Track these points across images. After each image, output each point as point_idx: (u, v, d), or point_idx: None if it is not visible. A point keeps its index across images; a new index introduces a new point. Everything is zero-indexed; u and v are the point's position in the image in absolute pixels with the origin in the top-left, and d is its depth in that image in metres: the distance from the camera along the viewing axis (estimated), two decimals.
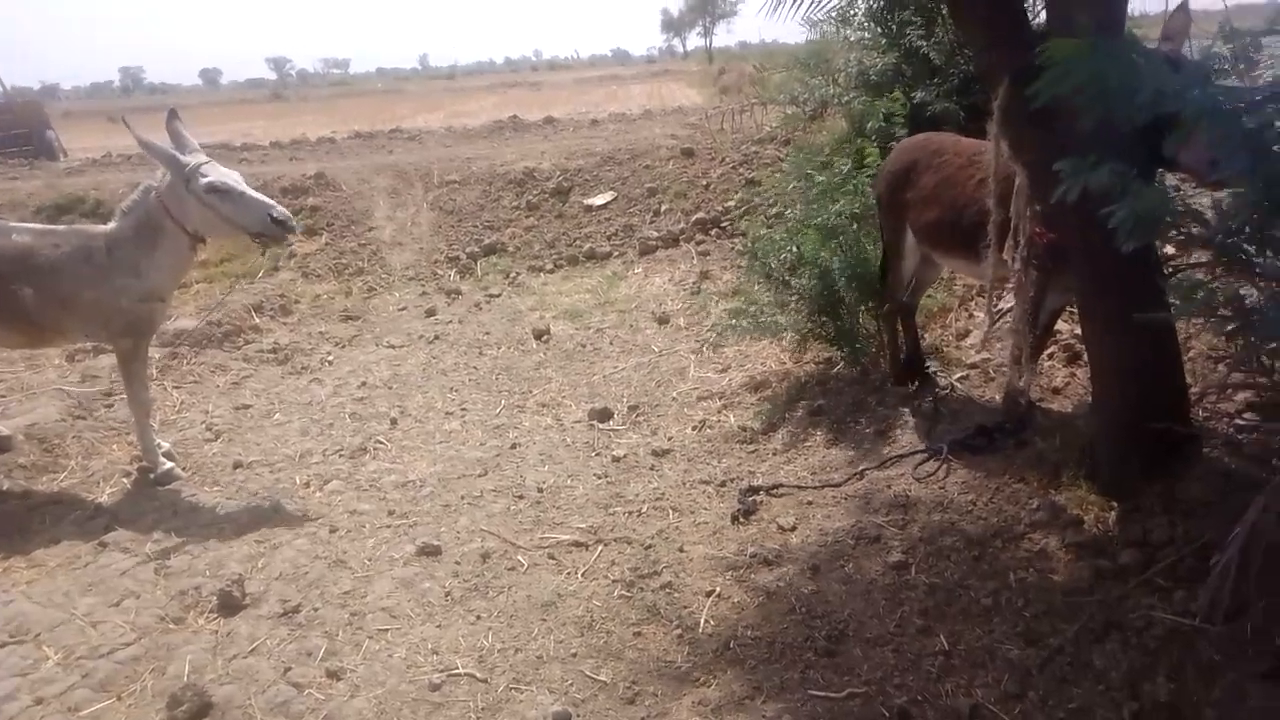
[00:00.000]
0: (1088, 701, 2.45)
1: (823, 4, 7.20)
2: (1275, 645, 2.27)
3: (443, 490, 4.26)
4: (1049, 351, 4.13)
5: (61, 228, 4.68)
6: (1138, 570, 2.76)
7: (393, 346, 6.64)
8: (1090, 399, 3.69)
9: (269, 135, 16.88)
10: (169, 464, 4.53)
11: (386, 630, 3.21)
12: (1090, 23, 2.46)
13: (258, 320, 7.13)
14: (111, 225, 4.31)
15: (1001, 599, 2.89)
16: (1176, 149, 2.74)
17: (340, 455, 4.74)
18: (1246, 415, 3.08)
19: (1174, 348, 3.05)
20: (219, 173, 4.14)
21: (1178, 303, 2.19)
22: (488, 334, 6.72)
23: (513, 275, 8.08)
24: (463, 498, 4.17)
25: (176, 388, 5.82)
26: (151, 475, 4.50)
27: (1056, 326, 4.22)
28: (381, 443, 4.87)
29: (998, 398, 4.05)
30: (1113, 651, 2.56)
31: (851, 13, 7.36)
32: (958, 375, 4.36)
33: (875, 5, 7.26)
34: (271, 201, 4.20)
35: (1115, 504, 3.05)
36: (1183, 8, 2.66)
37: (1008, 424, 3.69)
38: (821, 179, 4.81)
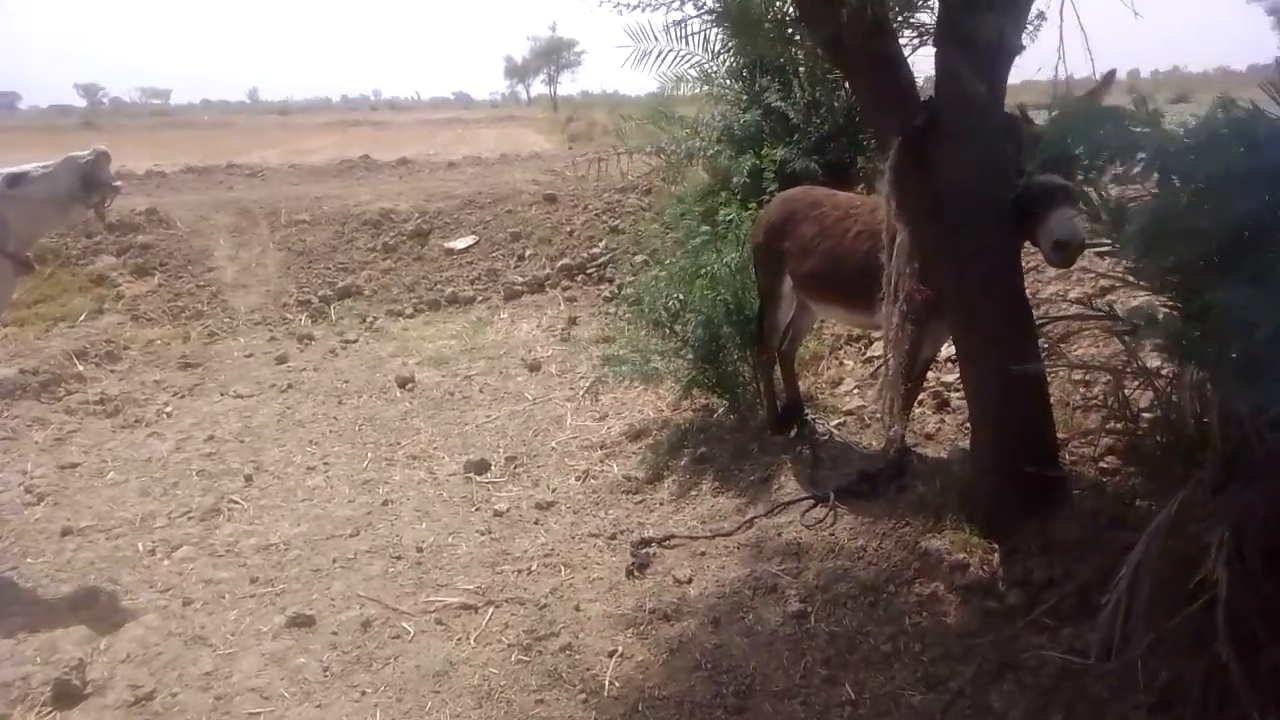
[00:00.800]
0: None
1: (684, 60, 7.53)
2: (1161, 679, 2.41)
3: (311, 553, 3.96)
4: (919, 399, 4.33)
5: None
6: (1024, 610, 2.88)
7: (240, 396, 6.17)
8: (961, 444, 3.90)
9: None
10: None
11: (258, 714, 2.92)
12: (985, 88, 2.61)
13: (80, 368, 6.47)
14: None
15: (900, 644, 2.95)
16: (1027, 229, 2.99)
17: (189, 518, 4.33)
18: (1109, 458, 3.31)
19: (1045, 395, 3.25)
20: (6, 169, 3.76)
21: (1140, 325, 2.32)
22: (347, 382, 6.38)
23: (370, 320, 7.74)
24: (334, 561, 3.89)
25: None
26: None
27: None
28: (236, 502, 4.48)
29: (875, 444, 4.19)
30: (1009, 692, 2.65)
31: (712, 70, 7.59)
32: (835, 422, 4.49)
33: (735, 64, 7.52)
34: (69, 155, 3.81)
35: (996, 545, 3.20)
36: (1107, 80, 2.88)
37: (888, 470, 3.82)
38: (706, 229, 4.90)
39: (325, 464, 4.97)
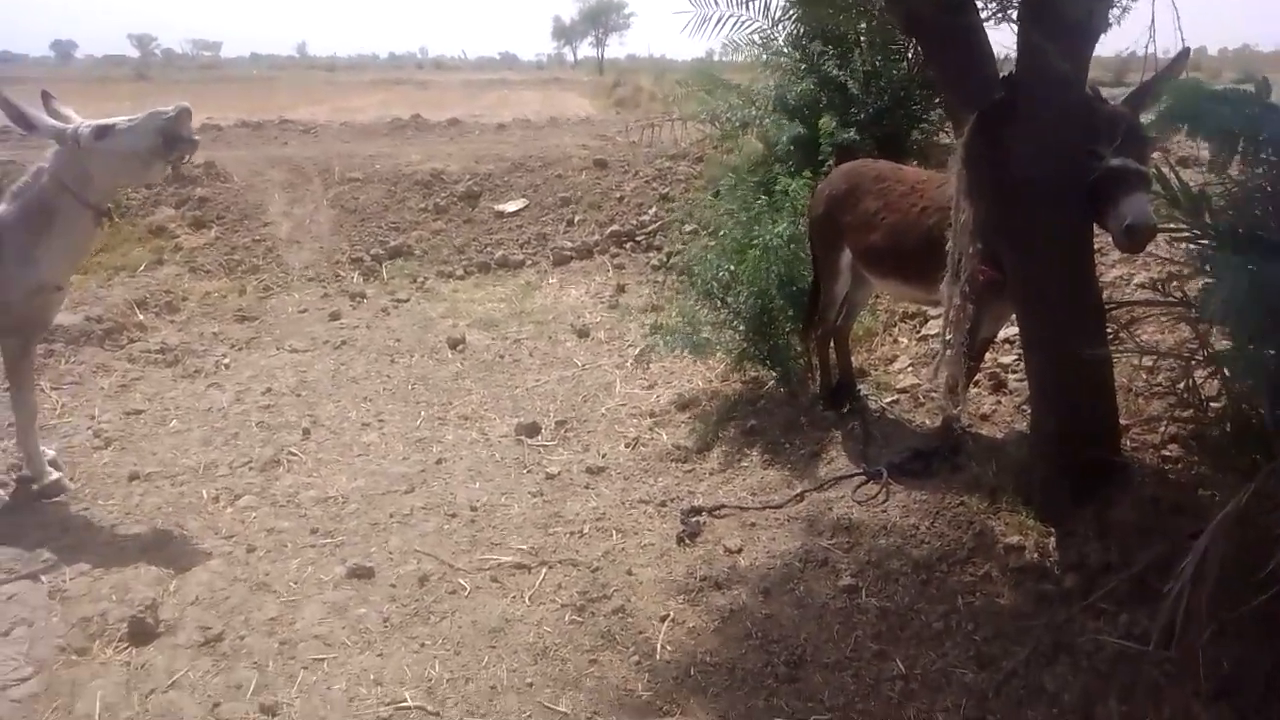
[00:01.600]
0: None
1: (744, 26, 7.43)
2: (1223, 668, 2.41)
3: (368, 507, 4.05)
4: (975, 379, 4.30)
5: None
6: (1080, 594, 2.88)
7: (296, 351, 6.29)
8: (1017, 426, 3.88)
9: None
10: (56, 474, 4.13)
11: (322, 660, 3.01)
12: (1068, 67, 2.56)
13: (141, 317, 6.63)
14: None
15: (952, 622, 2.97)
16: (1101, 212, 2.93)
17: (250, 468, 4.44)
18: (1171, 446, 3.28)
19: (1109, 380, 3.22)
20: (90, 121, 3.80)
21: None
22: (399, 341, 6.47)
23: (421, 280, 7.82)
24: (391, 516, 3.98)
25: (55, 389, 5.33)
26: (35, 486, 4.09)
27: None
28: (295, 454, 4.59)
29: (928, 422, 4.18)
30: (1063, 674, 2.66)
31: (772, 37, 7.49)
32: (888, 399, 4.48)
33: (795, 31, 7.41)
34: (152, 111, 3.81)
35: (1052, 528, 3.19)
36: (1181, 59, 2.81)
37: (943, 449, 3.81)
38: (763, 199, 4.87)
39: (380, 421, 5.07)
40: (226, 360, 6.05)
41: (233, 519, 3.94)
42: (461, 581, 3.46)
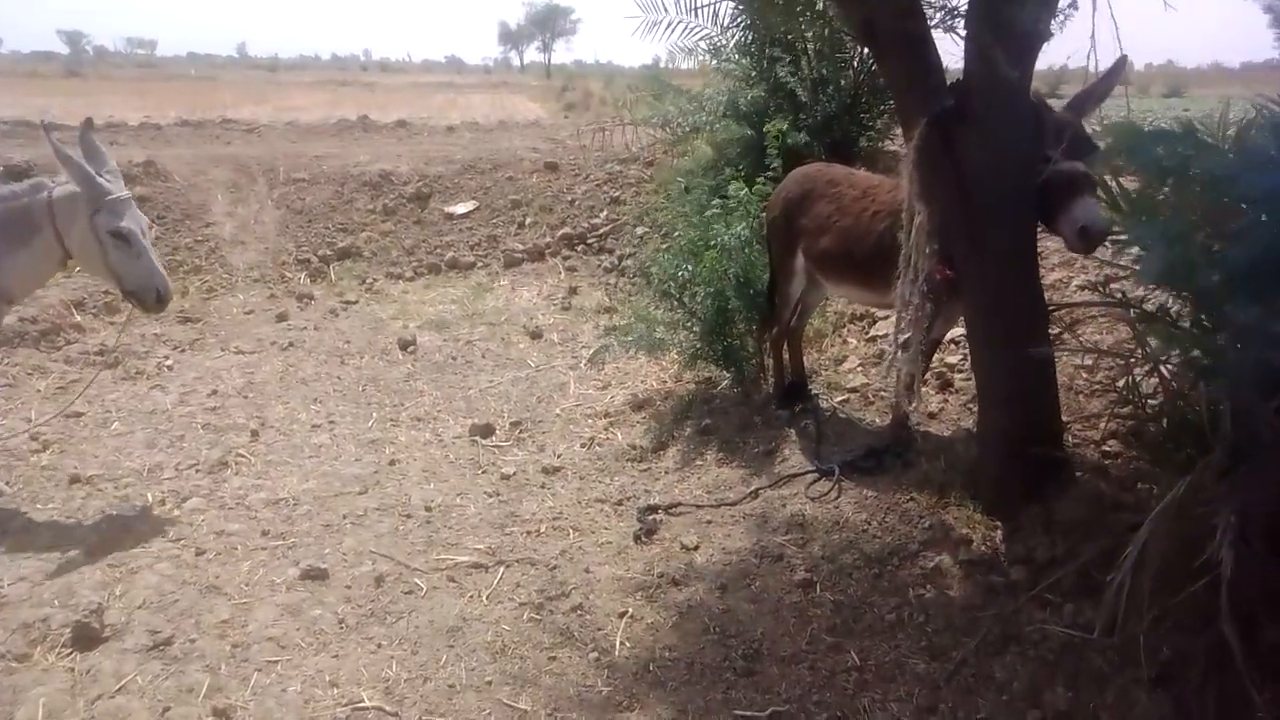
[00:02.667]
0: (993, 712, 2.61)
1: (694, 32, 7.51)
2: (1163, 654, 2.50)
3: (320, 509, 3.99)
4: (924, 379, 4.40)
5: None
6: (1027, 586, 2.97)
7: (242, 352, 6.16)
8: (964, 423, 3.98)
9: (71, 114, 15.26)
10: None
11: (276, 662, 2.96)
12: (1016, 74, 2.65)
13: (79, 318, 6.43)
14: None
15: (904, 615, 3.04)
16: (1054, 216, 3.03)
17: (196, 470, 4.34)
18: (1111, 442, 3.40)
19: (1052, 378, 3.33)
20: (134, 219, 3.84)
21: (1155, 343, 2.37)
22: (348, 342, 6.38)
23: (370, 282, 7.72)
24: (344, 517, 3.92)
25: None
26: None
27: None
28: (244, 456, 4.50)
29: (878, 421, 4.27)
30: (1012, 664, 2.74)
31: (722, 43, 7.57)
32: (839, 399, 4.56)
33: (745, 39, 7.50)
34: (163, 272, 3.95)
35: (999, 523, 3.28)
36: (1117, 68, 2.92)
37: (894, 446, 3.90)
38: (718, 201, 4.93)
39: (330, 422, 5.00)
40: (169, 362, 5.90)
41: (180, 522, 3.85)
42: (418, 581, 3.43)
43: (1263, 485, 2.31)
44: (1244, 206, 1.90)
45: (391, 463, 4.50)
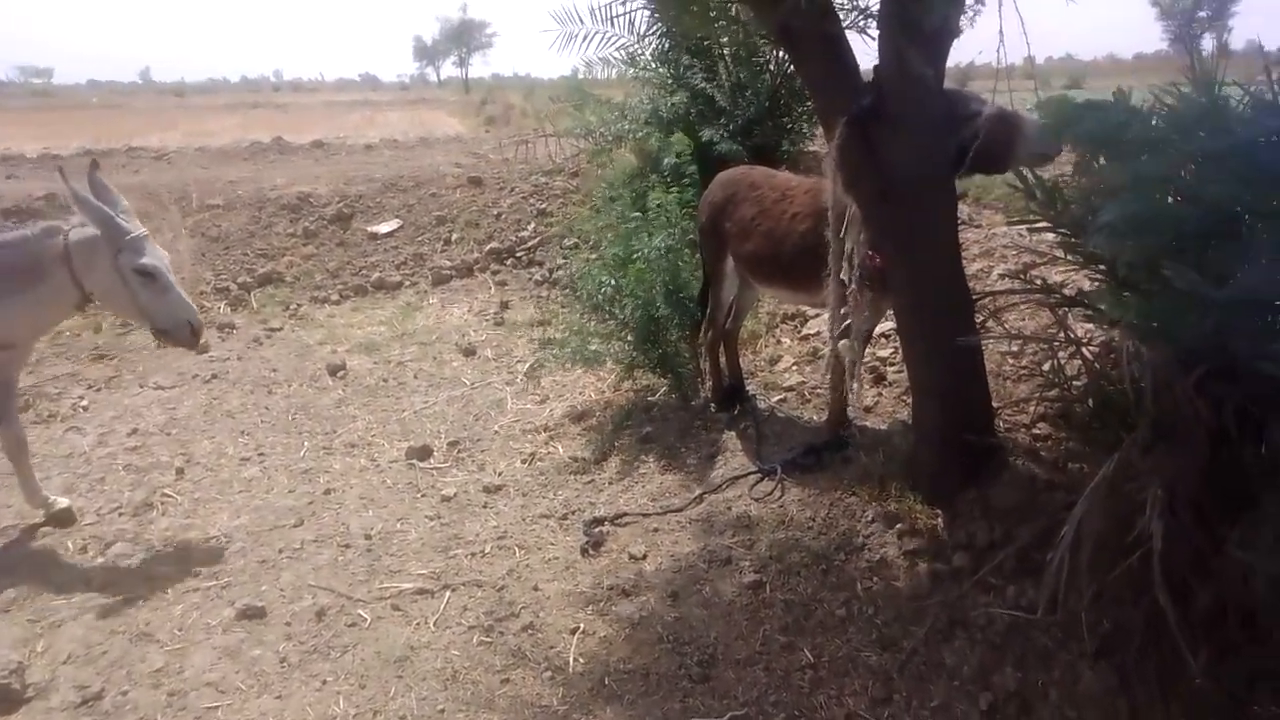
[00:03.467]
0: (947, 698, 2.66)
1: (611, 42, 7.51)
2: (1103, 627, 2.58)
3: (255, 545, 3.86)
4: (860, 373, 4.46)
5: None
6: (970, 571, 3.03)
7: (162, 387, 5.92)
8: (899, 415, 4.05)
9: None
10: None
11: (216, 708, 2.84)
12: (930, 71, 2.71)
13: None
14: None
15: (854, 608, 3.07)
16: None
17: (120, 513, 4.16)
18: (1040, 425, 3.49)
19: (981, 366, 3.41)
20: (155, 255, 3.76)
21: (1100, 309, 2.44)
22: (275, 371, 6.19)
23: (294, 307, 7.51)
24: (280, 551, 3.80)
25: None
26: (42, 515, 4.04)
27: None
28: (170, 496, 4.32)
29: (816, 418, 4.32)
30: (961, 648, 2.79)
31: (639, 52, 7.60)
32: (776, 399, 4.60)
33: (661, 46, 7.55)
34: (193, 305, 3.91)
35: (939, 511, 3.34)
36: None
37: (834, 442, 3.94)
38: (637, 214, 4.93)
39: (260, 454, 4.84)
40: (84, 402, 5.65)
41: (105, 568, 3.67)
42: (361, 613, 3.33)
43: (1186, 457, 2.39)
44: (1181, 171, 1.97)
45: (327, 492, 4.37)
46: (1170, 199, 1.95)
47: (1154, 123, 2.02)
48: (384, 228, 8.70)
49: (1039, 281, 3.58)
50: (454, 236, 8.51)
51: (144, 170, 11.23)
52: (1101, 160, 2.16)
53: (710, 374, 4.74)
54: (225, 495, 4.34)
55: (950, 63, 3.27)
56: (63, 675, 2.97)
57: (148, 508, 4.20)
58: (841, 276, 3.35)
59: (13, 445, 3.99)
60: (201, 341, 4.09)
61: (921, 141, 3.00)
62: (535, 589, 3.43)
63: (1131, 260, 2.19)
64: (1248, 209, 1.97)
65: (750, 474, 3.98)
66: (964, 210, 5.64)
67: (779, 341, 5.27)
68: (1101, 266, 2.55)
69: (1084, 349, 3.00)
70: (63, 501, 4.05)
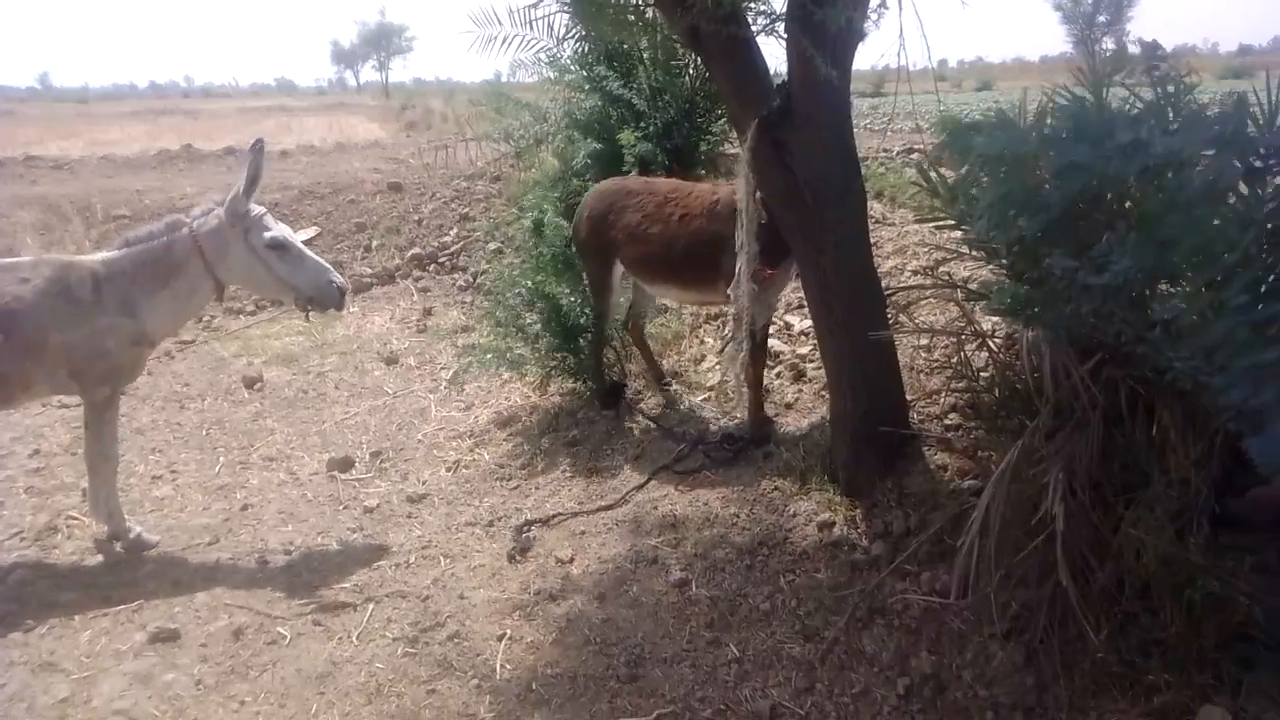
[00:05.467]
0: (867, 684, 2.72)
1: (530, 45, 7.48)
2: (1011, 609, 2.67)
3: (167, 566, 3.72)
4: (776, 370, 4.55)
5: (26, 259, 3.86)
6: (887, 560, 3.11)
7: (65, 406, 5.65)
8: (819, 411, 4.13)
9: None
10: (138, 528, 3.89)
11: None
12: (835, 73, 2.77)
13: None
14: (105, 255, 3.74)
15: (777, 601, 3.12)
16: None
17: (21, 538, 3.96)
18: (951, 416, 3.61)
19: (894, 360, 3.51)
20: (279, 227, 3.74)
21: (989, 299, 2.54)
22: (187, 385, 6.00)
23: (206, 319, 7.28)
24: (195, 571, 3.67)
25: None
26: (118, 545, 3.84)
27: (779, 349, 4.68)
28: (75, 518, 4.14)
29: (739, 415, 4.37)
30: (880, 635, 2.87)
31: (558, 55, 7.58)
32: (700, 397, 4.65)
33: (581, 49, 7.54)
34: (329, 265, 3.86)
35: (857, 503, 3.42)
36: None
37: (756, 438, 4.01)
38: (551, 217, 4.94)
39: (172, 472, 4.67)
40: None
41: (4, 597, 3.49)
42: (281, 630, 3.25)
43: (1084, 441, 2.50)
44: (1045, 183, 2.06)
45: (244, 508, 4.25)
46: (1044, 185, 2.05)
47: (1033, 134, 2.12)
48: (302, 235, 8.45)
49: (947, 277, 3.70)
50: (374, 243, 8.38)
51: (43, 181, 10.76)
52: (984, 178, 2.27)
53: (593, 376, 4.84)
54: (136, 515, 4.15)
55: (865, 66, 3.38)
56: None
57: (51, 531, 4.02)
58: (733, 288, 3.49)
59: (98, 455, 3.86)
60: (346, 304, 4.06)
61: (829, 141, 3.08)
62: (461, 597, 3.40)
63: (1014, 245, 2.29)
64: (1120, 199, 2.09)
65: (674, 464, 4.04)
66: (878, 209, 5.78)
67: (702, 341, 5.32)
68: (1002, 261, 2.65)
69: (989, 341, 3.11)
70: (135, 529, 3.88)
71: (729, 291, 3.62)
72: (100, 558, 3.82)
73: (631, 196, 4.39)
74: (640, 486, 3.99)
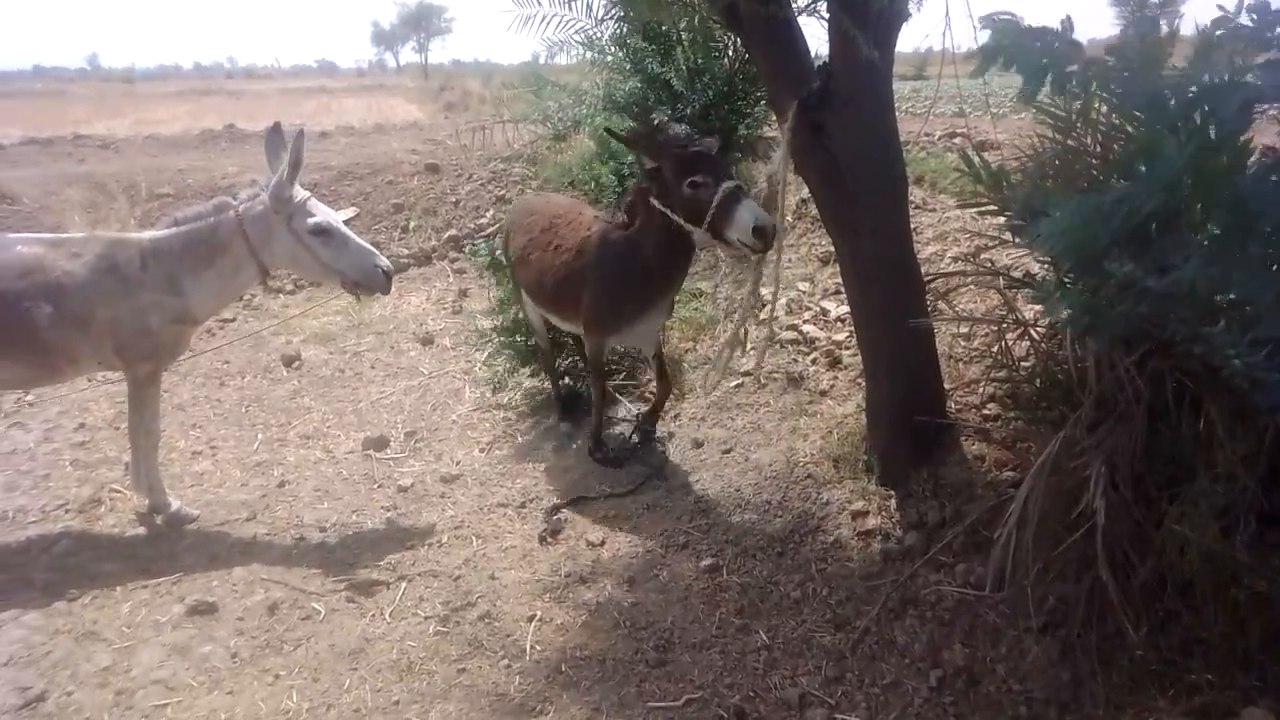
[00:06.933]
0: (898, 675, 2.69)
1: (569, 26, 7.45)
2: (1048, 603, 2.63)
3: (206, 540, 3.79)
4: (812, 357, 4.50)
5: (79, 235, 3.94)
6: (921, 550, 3.07)
7: (110, 381, 5.77)
8: (854, 399, 4.08)
9: None
10: (177, 502, 3.98)
11: (165, 706, 2.79)
12: (876, 54, 2.71)
13: None
14: (152, 234, 3.81)
15: (808, 590, 3.10)
16: None
17: (66, 510, 4.06)
18: (990, 406, 3.54)
19: (932, 347, 3.44)
20: (323, 211, 3.77)
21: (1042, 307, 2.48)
22: (227, 363, 6.09)
23: (248, 297, 7.37)
24: (232, 546, 3.74)
25: None
26: (159, 518, 3.93)
27: (815, 335, 4.63)
28: (119, 491, 4.23)
29: (772, 402, 4.32)
30: (912, 626, 2.83)
31: (597, 36, 7.53)
32: (734, 383, 4.61)
33: (619, 30, 7.49)
34: (374, 249, 3.87)
35: (892, 492, 3.38)
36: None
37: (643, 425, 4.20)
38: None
39: (212, 448, 4.76)
40: (29, 397, 5.49)
41: (49, 567, 3.58)
42: (315, 605, 3.29)
43: (1128, 434, 2.44)
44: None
45: (281, 484, 4.31)
46: (1105, 204, 1.96)
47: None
48: (341, 216, 8.55)
49: (989, 264, 3.62)
50: (411, 224, 8.41)
51: (90, 159, 10.96)
52: (1045, 93, 2.17)
53: (551, 385, 4.89)
54: (176, 490, 4.23)
55: (908, 48, 3.30)
56: (3, 677, 2.89)
57: (95, 504, 4.11)
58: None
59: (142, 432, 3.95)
60: (392, 286, 4.03)
61: (870, 124, 3.02)
62: (492, 577, 3.42)
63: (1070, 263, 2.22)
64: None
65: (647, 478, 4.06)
66: (919, 195, 5.68)
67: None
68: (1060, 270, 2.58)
69: (1031, 330, 3.05)
70: (175, 503, 3.97)
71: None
72: (142, 530, 3.90)
73: (528, 216, 4.45)
74: (631, 492, 3.97)
